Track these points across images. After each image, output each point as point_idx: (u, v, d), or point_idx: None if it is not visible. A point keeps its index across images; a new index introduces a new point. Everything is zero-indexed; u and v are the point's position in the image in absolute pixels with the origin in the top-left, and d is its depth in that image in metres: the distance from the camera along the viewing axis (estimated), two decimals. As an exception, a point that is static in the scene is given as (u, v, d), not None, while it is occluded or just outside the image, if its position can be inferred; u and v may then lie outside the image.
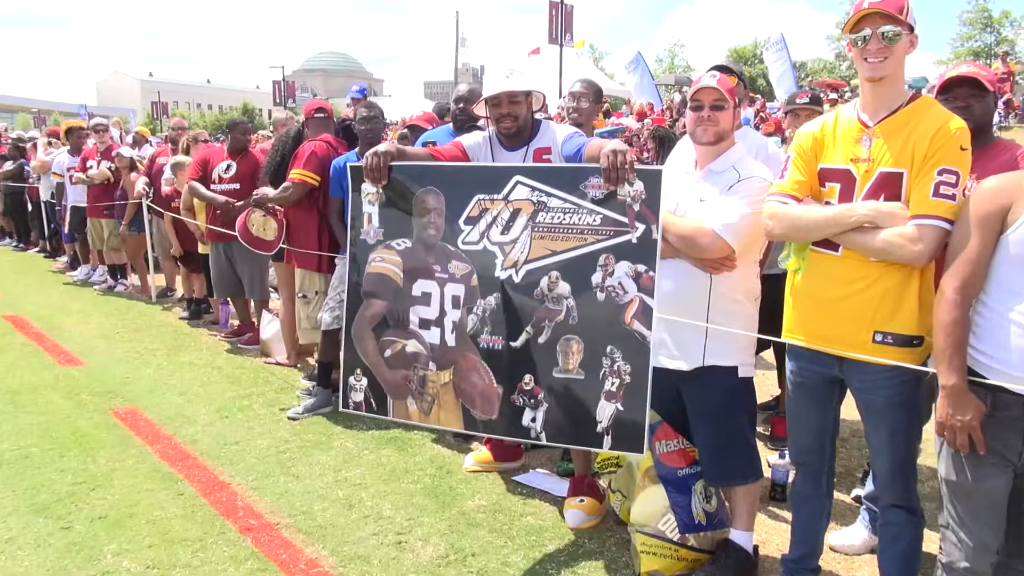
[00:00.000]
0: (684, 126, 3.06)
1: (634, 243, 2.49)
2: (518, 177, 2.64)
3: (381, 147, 2.79)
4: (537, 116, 3.21)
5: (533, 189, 2.62)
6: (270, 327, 6.11)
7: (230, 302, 6.78)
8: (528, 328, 2.64)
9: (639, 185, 2.48)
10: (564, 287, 2.59)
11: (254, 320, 6.59)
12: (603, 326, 2.55)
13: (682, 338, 2.69)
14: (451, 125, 4.75)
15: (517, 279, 2.64)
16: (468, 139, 3.24)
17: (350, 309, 2.91)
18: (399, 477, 3.81)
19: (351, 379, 2.92)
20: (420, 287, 2.77)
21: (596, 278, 2.55)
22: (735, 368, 2.73)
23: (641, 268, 2.49)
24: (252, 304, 6.57)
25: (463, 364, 2.73)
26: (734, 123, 2.79)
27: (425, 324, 2.77)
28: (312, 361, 5.87)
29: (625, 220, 2.50)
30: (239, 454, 4.10)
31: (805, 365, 2.50)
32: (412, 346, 2.79)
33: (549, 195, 2.59)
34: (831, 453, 2.58)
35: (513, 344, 2.66)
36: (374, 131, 4.79)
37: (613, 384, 2.55)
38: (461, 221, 2.71)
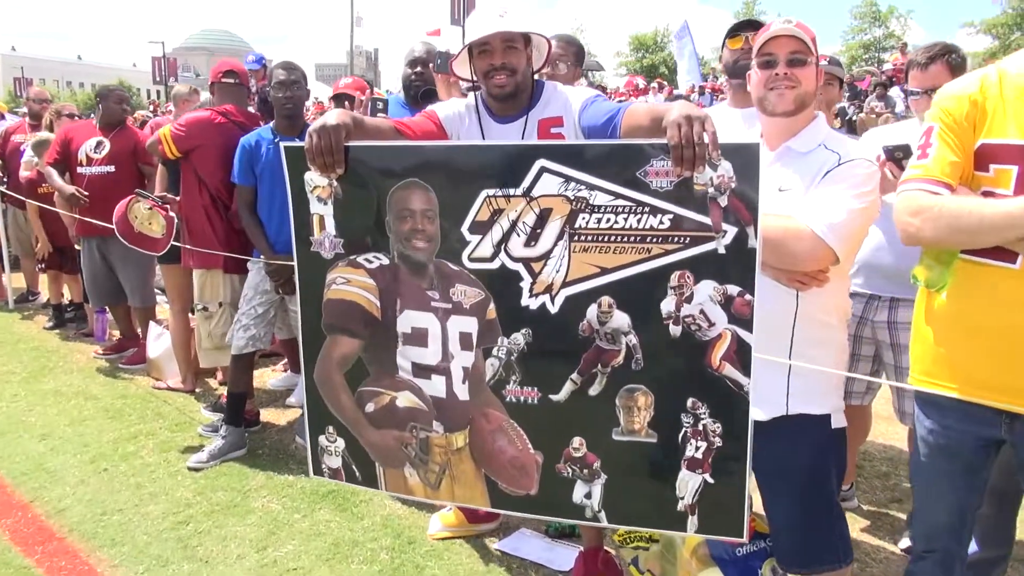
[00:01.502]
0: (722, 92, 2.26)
1: (722, 253, 1.77)
2: (543, 162, 1.86)
3: (330, 117, 1.96)
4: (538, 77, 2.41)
5: (567, 179, 1.85)
6: (159, 343, 5.12)
7: (107, 310, 5.75)
8: (574, 376, 1.93)
9: (726, 168, 1.73)
10: (621, 319, 1.87)
11: (139, 332, 5.57)
12: (680, 372, 1.86)
13: (757, 376, 1.99)
14: (401, 95, 3.86)
15: (553, 309, 1.91)
16: (445, 108, 2.42)
17: (308, 345, 2.18)
18: (346, 554, 3.04)
19: (322, 439, 2.22)
20: (409, 321, 2.03)
21: (667, 305, 1.83)
22: (827, 417, 2.08)
23: (733, 290, 1.78)
24: (136, 313, 5.53)
25: (484, 424, 2.03)
26: (817, 86, 2.06)
27: (423, 371, 2.05)
28: (216, 384, 4.98)
29: (707, 221, 1.76)
30: (123, 529, 3.19)
31: (953, 423, 1.86)
32: (406, 399, 2.08)
33: (592, 188, 1.83)
34: (970, 535, 1.99)
35: (554, 398, 1.96)
36: (295, 101, 3.87)
37: (698, 449, 1.88)
38: (465, 228, 1.94)
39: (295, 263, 2.13)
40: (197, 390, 4.92)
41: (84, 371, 5.36)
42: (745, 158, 1.72)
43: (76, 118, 6.51)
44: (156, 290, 5.63)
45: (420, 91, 3.62)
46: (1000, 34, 31.68)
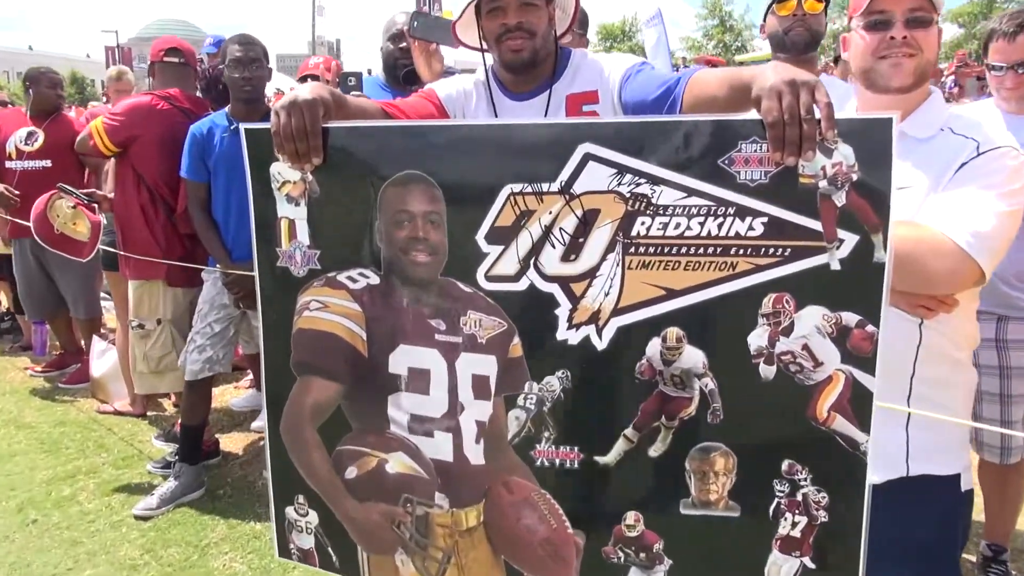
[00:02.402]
0: None
1: (836, 270, 1.32)
2: (588, 146, 1.39)
3: (304, 91, 1.48)
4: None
5: (621, 170, 1.38)
6: (104, 359, 4.55)
7: (46, 322, 5.14)
8: (628, 432, 1.47)
9: (845, 153, 1.28)
10: (694, 357, 1.41)
11: (82, 346, 4.97)
12: (774, 426, 1.41)
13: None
14: (381, 76, 3.37)
15: (600, 344, 1.45)
16: (446, 86, 1.96)
17: (272, 389, 1.69)
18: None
19: (290, 511, 1.73)
20: (406, 359, 1.55)
21: (758, 339, 1.38)
22: (956, 478, 1.65)
23: (849, 318, 1.33)
24: (79, 325, 4.92)
25: (505, 496, 1.56)
26: (937, 55, 1.63)
27: (423, 426, 1.57)
28: (170, 406, 4.39)
29: (817, 226, 1.31)
30: (52, 603, 2.60)
31: None
32: (398, 463, 1.60)
33: (655, 181, 1.37)
34: None
35: (601, 460, 1.50)
36: (255, 83, 3.32)
37: (795, 525, 1.44)
38: (481, 236, 1.46)
39: (256, 282, 1.64)
40: (149, 413, 4.34)
41: (18, 392, 4.78)
42: (873, 139, 1.27)
43: (6, 105, 5.85)
44: (105, 295, 5.03)
45: (405, 70, 3.11)
46: (966, 22, 32.07)
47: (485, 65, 1.94)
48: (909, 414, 1.55)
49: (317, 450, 1.65)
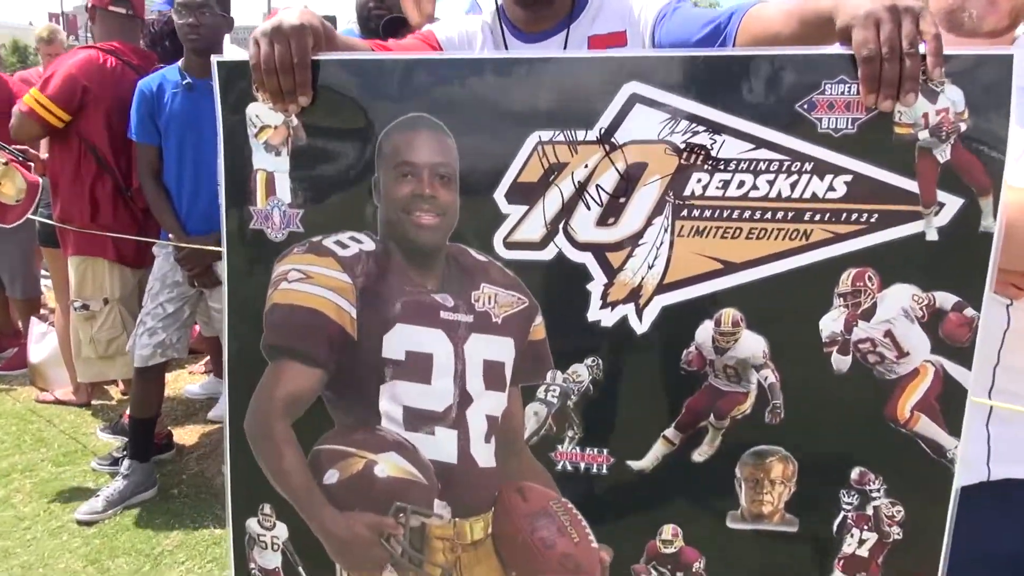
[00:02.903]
0: None
1: (932, 240, 1.10)
2: (635, 86, 1.14)
3: (290, 15, 1.22)
4: None
5: (675, 115, 1.14)
6: (44, 344, 4.15)
7: None
8: (669, 432, 1.25)
9: (954, 96, 1.06)
10: (753, 344, 1.19)
11: (20, 327, 4.59)
12: (844, 427, 1.20)
13: None
14: (355, 28, 3.10)
15: (640, 327, 1.21)
16: (446, 27, 1.70)
17: (236, 377, 1.43)
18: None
19: (252, 523, 1.47)
20: (403, 340, 1.30)
21: (832, 323, 1.16)
22: None
23: (945, 300, 1.12)
24: (15, 306, 4.54)
25: (519, 504, 1.33)
26: None
27: (422, 422, 1.33)
28: (118, 393, 4.04)
29: (911, 187, 1.10)
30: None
31: None
32: (390, 466, 1.36)
33: (716, 129, 1.13)
34: None
35: (635, 465, 1.27)
36: (204, 32, 2.96)
37: (863, 543, 1.22)
38: (501, 194, 1.21)
39: (223, 246, 1.37)
40: (93, 403, 4.00)
41: (-52, 381, 4.33)
42: (988, 81, 1.05)
43: None
44: (45, 273, 4.65)
45: (383, 21, 2.83)
46: None
47: (496, 2, 1.68)
48: (991, 409, 1.34)
49: (290, 450, 1.40)
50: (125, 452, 3.21)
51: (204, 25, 2.96)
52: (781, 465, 1.23)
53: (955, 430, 1.15)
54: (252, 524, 1.48)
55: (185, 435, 3.73)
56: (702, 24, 1.44)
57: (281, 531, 1.46)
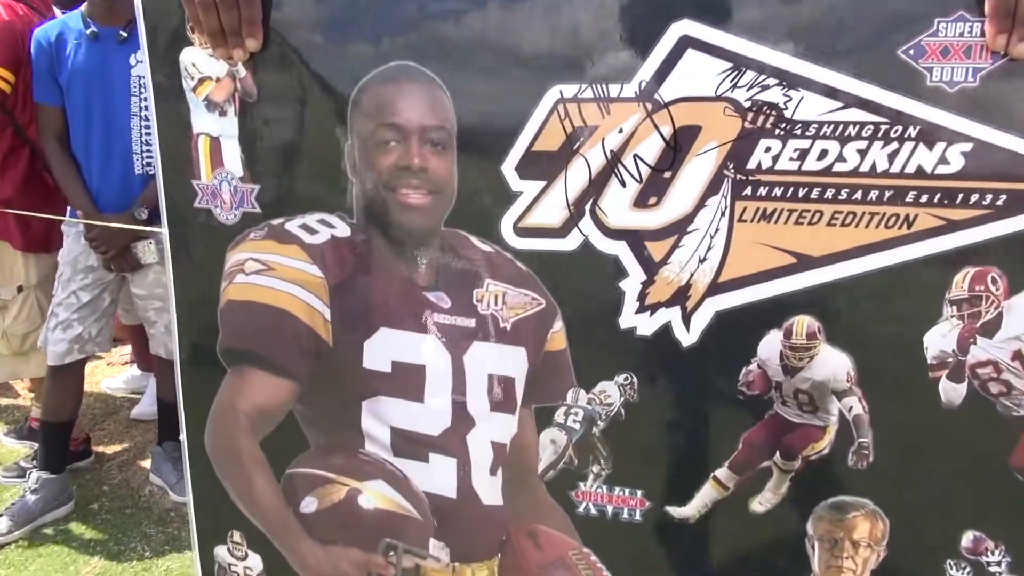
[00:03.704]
0: None
1: (1079, 233, 0.85)
2: (688, 25, 0.90)
3: None
4: None
5: (738, 63, 0.90)
6: None
7: None
8: (721, 473, 1.00)
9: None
10: (834, 363, 0.93)
11: None
12: (954, 477, 0.94)
13: None
14: None
15: (688, 336, 0.97)
16: None
17: (190, 386, 1.23)
18: None
19: (221, 552, 1.27)
20: (390, 349, 1.07)
21: (940, 340, 0.90)
22: None
23: (1099, 310, 0.86)
24: None
25: (530, 551, 1.08)
26: None
27: (412, 445, 1.10)
28: (25, 391, 3.60)
29: (1049, 162, 0.84)
30: None
31: None
32: (376, 496, 1.13)
33: (791, 82, 0.88)
34: None
35: (677, 513, 1.02)
36: None
37: (974, 626, 0.97)
38: (510, 166, 0.98)
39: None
40: None
41: None
42: None
43: None
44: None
45: None
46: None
47: None
48: None
49: (260, 471, 1.19)
50: (34, 463, 2.86)
51: None
52: (868, 523, 0.97)
53: (1107, 485, 0.88)
54: (221, 553, 1.28)
55: (105, 438, 3.33)
56: None
57: (255, 562, 1.25)
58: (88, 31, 2.61)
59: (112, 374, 3.96)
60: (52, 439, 2.81)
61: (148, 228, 2.55)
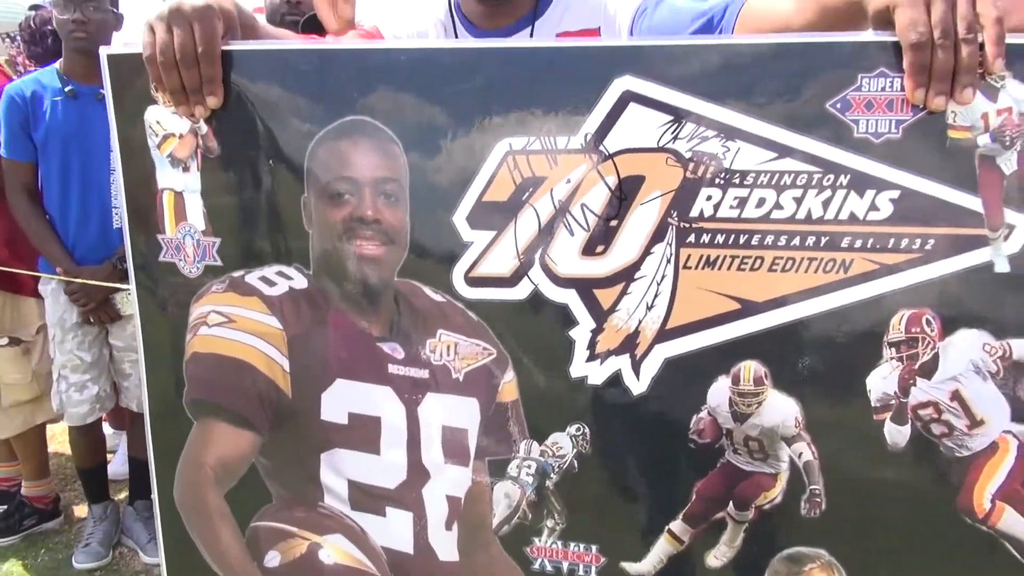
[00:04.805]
0: None
1: (1003, 273, 0.88)
2: (630, 80, 0.96)
3: None
4: None
5: (679, 116, 0.96)
6: None
7: None
8: (675, 526, 1.00)
9: (1017, 94, 0.87)
10: (782, 408, 0.96)
11: None
12: (905, 522, 0.95)
13: None
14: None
15: (638, 384, 0.99)
16: (393, 25, 1.53)
17: (159, 439, 1.23)
18: None
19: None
20: (346, 401, 1.08)
21: (882, 382, 0.93)
22: None
23: (1029, 350, 0.90)
24: None
25: (482, 614, 1.09)
26: None
27: (369, 499, 1.10)
28: None
29: (974, 204, 0.88)
30: None
31: None
32: (335, 551, 1.12)
33: (730, 135, 0.94)
34: None
35: (633, 569, 1.02)
36: (91, 29, 2.61)
37: None
38: (461, 217, 1.03)
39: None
40: None
41: None
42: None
43: None
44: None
45: (303, 20, 2.62)
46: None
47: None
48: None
49: (226, 526, 1.18)
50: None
51: (92, 21, 2.58)
52: (824, 574, 0.97)
53: (1055, 531, 0.90)
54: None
55: (76, 499, 3.15)
56: (692, 18, 1.26)
57: None
58: (67, 89, 2.64)
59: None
60: (92, 479, 2.97)
61: (117, 285, 2.58)
